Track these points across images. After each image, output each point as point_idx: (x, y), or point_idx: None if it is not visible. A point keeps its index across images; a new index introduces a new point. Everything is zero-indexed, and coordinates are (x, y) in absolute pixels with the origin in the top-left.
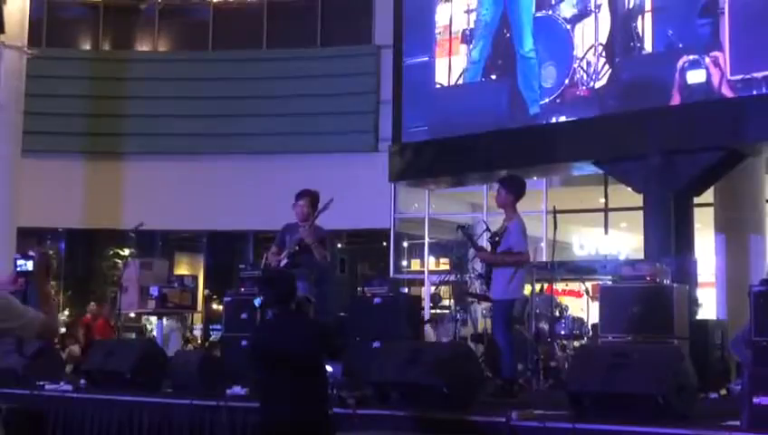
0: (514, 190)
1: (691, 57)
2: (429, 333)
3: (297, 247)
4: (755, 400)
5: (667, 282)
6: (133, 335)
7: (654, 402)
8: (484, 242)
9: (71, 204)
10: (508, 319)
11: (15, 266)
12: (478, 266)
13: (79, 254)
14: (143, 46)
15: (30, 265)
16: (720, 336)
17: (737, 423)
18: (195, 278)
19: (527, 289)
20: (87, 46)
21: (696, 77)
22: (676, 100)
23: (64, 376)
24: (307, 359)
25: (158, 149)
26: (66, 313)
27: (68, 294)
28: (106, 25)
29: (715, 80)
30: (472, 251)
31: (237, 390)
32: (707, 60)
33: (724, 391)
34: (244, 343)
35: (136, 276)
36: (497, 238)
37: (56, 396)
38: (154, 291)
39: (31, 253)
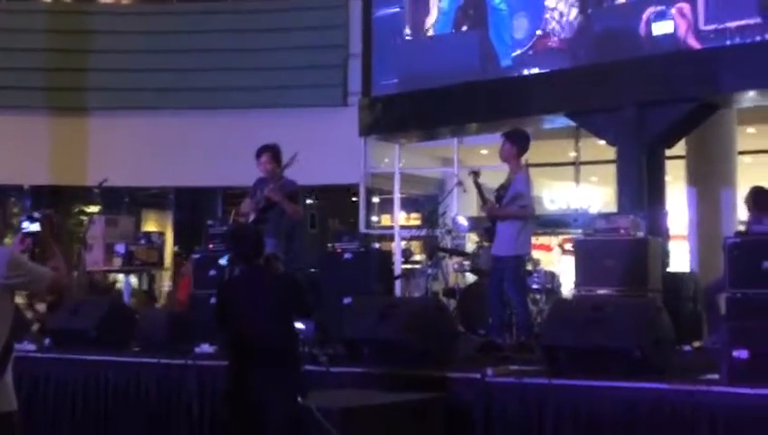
0: (518, 143)
1: (658, 8)
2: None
3: (265, 204)
4: (734, 353)
5: (641, 235)
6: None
7: (631, 356)
8: (454, 198)
9: (35, 161)
10: (519, 274)
11: (21, 228)
12: (450, 221)
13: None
14: None
15: (35, 227)
16: (692, 289)
17: (716, 377)
18: (162, 235)
19: None
20: None
21: (662, 28)
22: (646, 51)
23: (29, 336)
24: (276, 315)
25: (124, 104)
26: None
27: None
28: None
29: (682, 31)
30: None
31: (206, 348)
32: (673, 10)
33: (697, 344)
34: (212, 300)
35: (101, 234)
36: (502, 191)
37: (20, 356)
38: (120, 248)
39: (36, 214)
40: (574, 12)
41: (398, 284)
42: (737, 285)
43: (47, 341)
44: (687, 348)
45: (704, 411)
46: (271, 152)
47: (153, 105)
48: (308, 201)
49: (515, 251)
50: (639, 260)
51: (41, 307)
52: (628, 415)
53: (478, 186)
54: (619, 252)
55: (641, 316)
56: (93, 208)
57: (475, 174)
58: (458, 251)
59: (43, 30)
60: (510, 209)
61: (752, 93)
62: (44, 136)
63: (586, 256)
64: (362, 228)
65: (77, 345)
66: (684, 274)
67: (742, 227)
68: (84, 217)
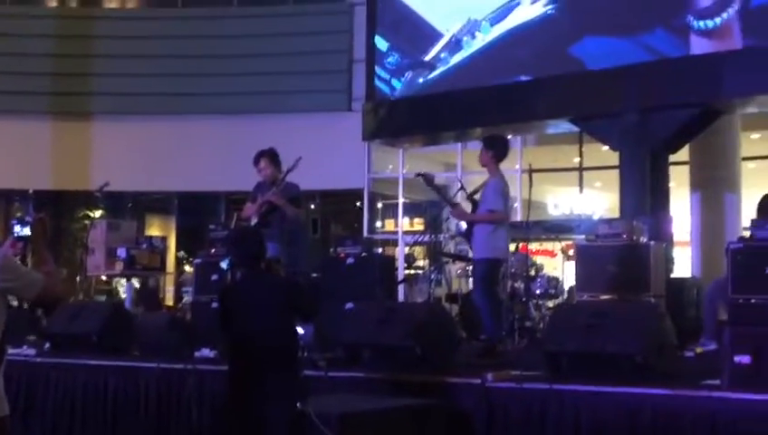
0: (495, 149)
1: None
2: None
3: (267, 208)
4: (736, 359)
5: (643, 240)
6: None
7: (633, 362)
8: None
9: (38, 165)
10: (487, 278)
11: (12, 232)
12: (453, 226)
13: (48, 216)
14: (111, 3)
15: (27, 231)
16: (695, 294)
17: (717, 382)
18: (164, 239)
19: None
20: (53, 3)
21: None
22: (649, 57)
23: (28, 340)
24: (277, 319)
25: (128, 109)
26: None
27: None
28: None
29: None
30: (447, 210)
31: (206, 352)
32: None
33: (699, 350)
34: (214, 304)
35: (103, 238)
36: (475, 196)
37: (19, 360)
38: (121, 253)
39: (27, 218)
40: None
41: (401, 289)
42: (740, 291)
43: (47, 345)
44: (690, 353)
45: (705, 417)
46: (268, 157)
47: (157, 110)
48: (311, 206)
49: (484, 254)
50: (641, 265)
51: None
52: (630, 421)
53: (436, 189)
54: (621, 257)
55: (643, 322)
56: (97, 213)
57: (425, 177)
58: (461, 256)
59: (47, 35)
60: (479, 213)
61: (755, 99)
62: (48, 140)
63: (587, 261)
64: (366, 233)
65: (77, 350)
66: (687, 279)
67: (746, 233)
68: (87, 222)
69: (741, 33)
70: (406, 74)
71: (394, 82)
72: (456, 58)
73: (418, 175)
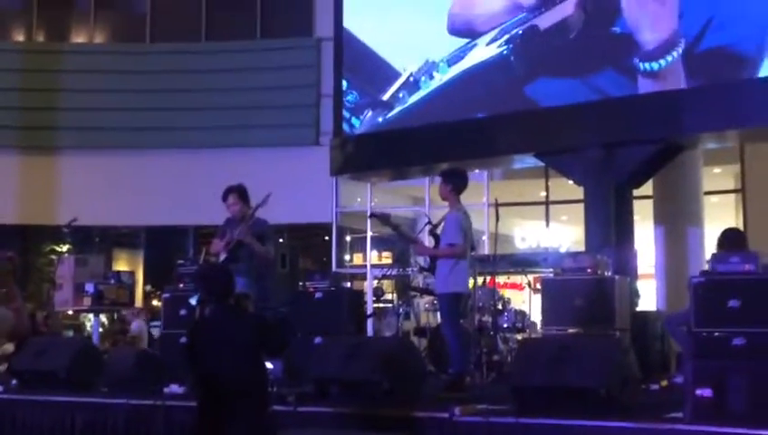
0: (453, 182)
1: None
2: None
3: (235, 244)
4: (698, 392)
5: (608, 274)
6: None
7: (597, 395)
8: (425, 236)
9: (4, 199)
10: (452, 312)
11: None
12: (421, 260)
13: (14, 251)
14: (79, 38)
15: None
16: (660, 328)
17: (680, 415)
18: (132, 274)
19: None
20: (21, 38)
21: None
22: (611, 93)
23: None
24: (245, 355)
25: (95, 143)
26: None
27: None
28: (40, 16)
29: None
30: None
31: (175, 388)
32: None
33: (664, 383)
34: (182, 339)
35: (71, 273)
36: (436, 230)
37: None
38: (89, 288)
39: None
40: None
41: (370, 323)
42: (702, 324)
43: (13, 382)
44: (654, 386)
45: None
46: (236, 193)
47: (124, 144)
48: (279, 240)
49: (447, 288)
50: (606, 299)
51: (9, 347)
52: None
53: (393, 226)
54: (586, 291)
55: (607, 356)
56: (64, 248)
57: (380, 217)
58: (429, 290)
59: (13, 69)
60: (439, 248)
61: (716, 134)
62: (14, 175)
63: (553, 295)
64: (334, 267)
65: (45, 386)
66: (651, 313)
67: (708, 267)
68: (54, 257)
69: (685, 75)
70: (365, 112)
71: (353, 120)
72: (414, 97)
73: (372, 216)
